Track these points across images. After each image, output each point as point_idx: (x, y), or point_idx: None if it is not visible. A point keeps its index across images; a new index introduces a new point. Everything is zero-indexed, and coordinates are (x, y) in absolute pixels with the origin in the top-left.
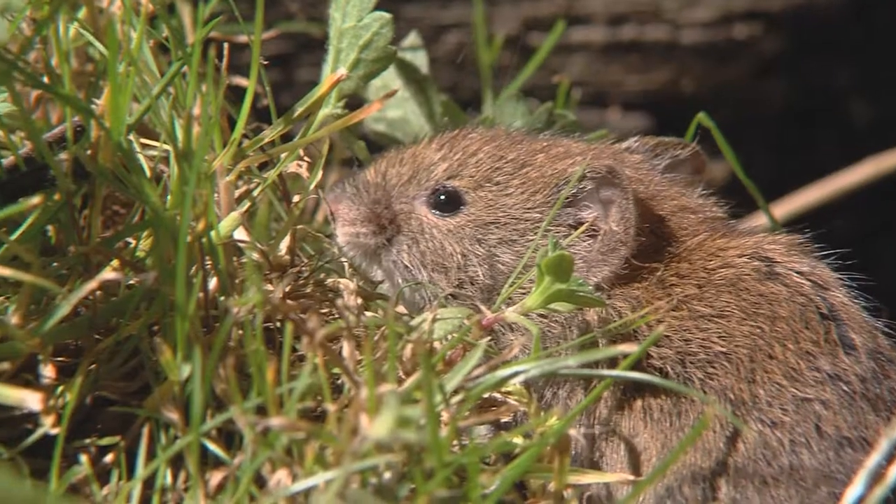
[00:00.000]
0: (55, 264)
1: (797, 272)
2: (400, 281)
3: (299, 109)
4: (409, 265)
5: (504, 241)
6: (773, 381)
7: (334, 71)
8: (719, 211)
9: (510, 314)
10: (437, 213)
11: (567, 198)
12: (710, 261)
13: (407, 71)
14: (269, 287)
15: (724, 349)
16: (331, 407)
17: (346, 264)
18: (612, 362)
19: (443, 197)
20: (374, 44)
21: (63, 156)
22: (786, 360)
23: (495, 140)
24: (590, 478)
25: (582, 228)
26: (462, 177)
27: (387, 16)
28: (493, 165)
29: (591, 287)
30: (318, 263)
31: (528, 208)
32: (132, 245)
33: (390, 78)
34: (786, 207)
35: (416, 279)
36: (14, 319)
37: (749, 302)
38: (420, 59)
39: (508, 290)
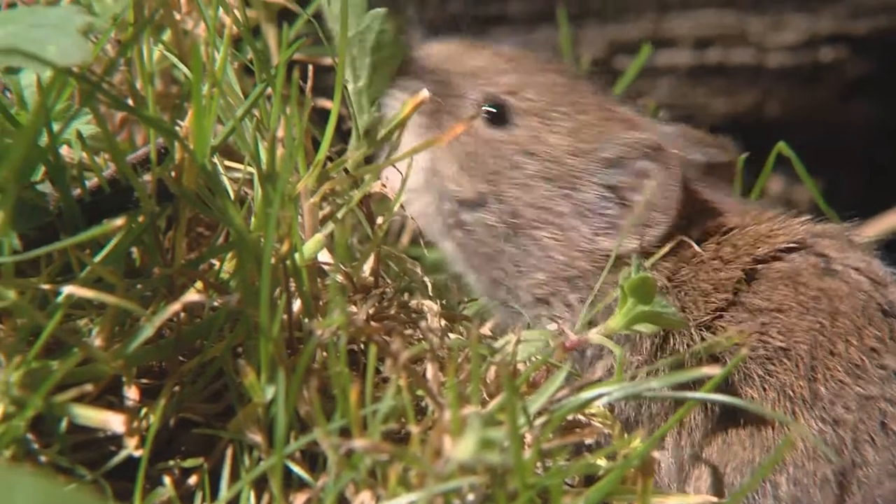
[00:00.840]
0: (139, 286)
1: (854, 268)
2: (424, 170)
3: (385, 130)
4: (441, 157)
5: (539, 176)
6: (835, 378)
7: (355, 82)
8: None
9: (594, 336)
10: (486, 122)
11: (610, 159)
12: (757, 247)
13: None
14: (353, 309)
15: (783, 345)
16: (414, 429)
17: (429, 285)
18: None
19: (494, 108)
20: (381, 43)
21: (147, 178)
22: (849, 357)
23: (567, 76)
24: (673, 500)
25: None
26: (520, 97)
27: (382, 11)
28: (552, 98)
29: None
30: (403, 285)
31: (571, 154)
32: (216, 267)
33: None
34: (873, 229)
35: (444, 172)
36: (98, 341)
37: (808, 297)
38: None
39: (592, 312)
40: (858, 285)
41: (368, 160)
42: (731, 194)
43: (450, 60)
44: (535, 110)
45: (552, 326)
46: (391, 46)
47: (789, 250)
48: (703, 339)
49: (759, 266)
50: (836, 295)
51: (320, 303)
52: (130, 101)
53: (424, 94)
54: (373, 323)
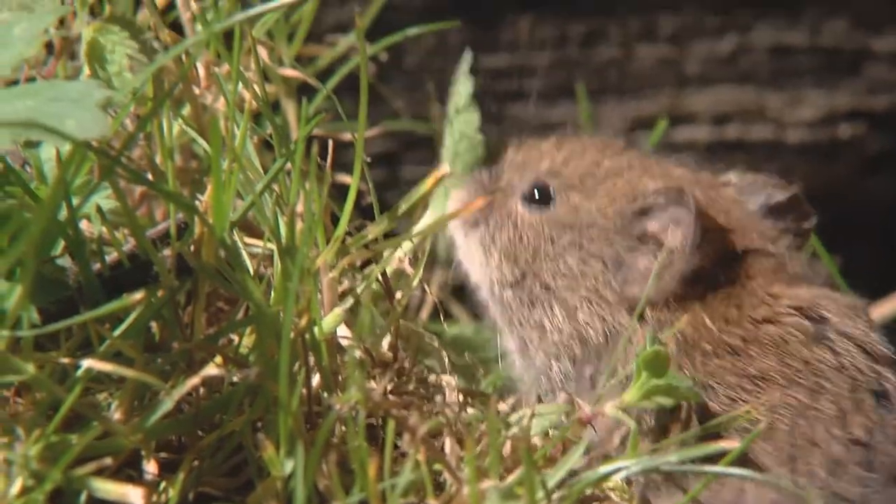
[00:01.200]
0: (158, 360)
1: (849, 337)
2: (475, 263)
3: (405, 206)
4: (484, 245)
5: (573, 244)
6: (813, 473)
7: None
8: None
9: (610, 409)
10: (528, 205)
11: (637, 211)
12: (758, 308)
13: None
14: (372, 384)
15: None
16: (433, 503)
17: (447, 360)
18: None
19: (537, 191)
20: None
21: (167, 252)
22: (829, 451)
23: (602, 147)
24: None
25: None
26: (559, 176)
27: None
28: (588, 170)
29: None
30: (421, 360)
31: (604, 216)
32: (235, 341)
33: None
34: (891, 306)
35: (486, 262)
36: (117, 415)
37: (792, 369)
38: None
39: (604, 387)
40: (851, 359)
41: (388, 236)
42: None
43: (503, 164)
44: (572, 184)
45: (562, 396)
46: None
47: (787, 314)
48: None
49: (756, 329)
50: (822, 369)
51: (339, 377)
52: (150, 176)
53: (445, 168)
54: (391, 397)
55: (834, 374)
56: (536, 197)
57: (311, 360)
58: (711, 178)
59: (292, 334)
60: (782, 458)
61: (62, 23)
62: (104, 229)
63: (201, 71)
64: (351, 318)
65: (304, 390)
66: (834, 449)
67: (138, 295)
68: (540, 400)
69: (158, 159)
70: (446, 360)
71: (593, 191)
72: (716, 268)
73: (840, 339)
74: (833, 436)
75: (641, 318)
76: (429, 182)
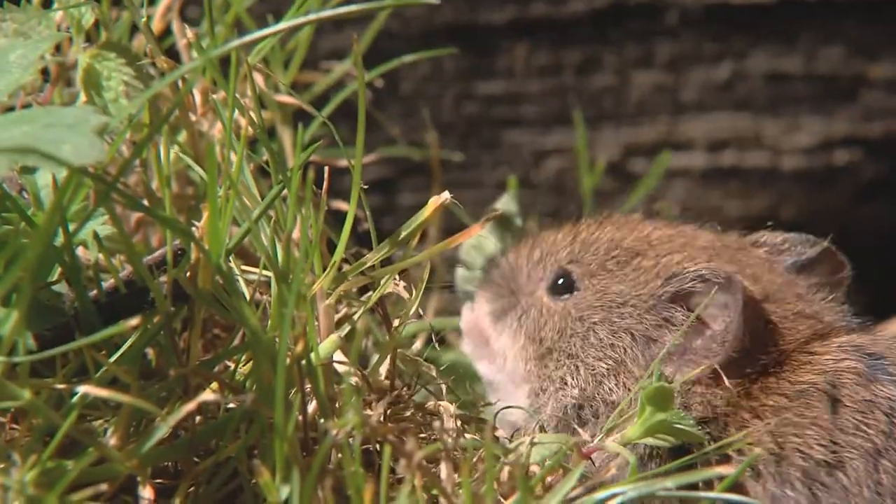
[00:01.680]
0: (155, 386)
1: None
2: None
3: (404, 233)
4: (513, 337)
5: (604, 321)
6: None
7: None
8: (842, 317)
9: (611, 444)
10: (552, 296)
11: (676, 292)
12: (798, 372)
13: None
14: (368, 411)
15: (825, 458)
16: None
17: (444, 387)
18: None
19: (561, 281)
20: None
21: (163, 278)
22: None
23: (618, 227)
24: None
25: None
26: (581, 263)
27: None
28: (608, 253)
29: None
30: (417, 387)
31: (636, 295)
32: (231, 368)
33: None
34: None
35: (510, 346)
36: (113, 441)
37: (853, 411)
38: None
39: (612, 421)
40: None
41: (386, 263)
42: (835, 292)
43: (517, 262)
44: (595, 268)
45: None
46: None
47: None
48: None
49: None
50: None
51: (336, 404)
52: (146, 202)
53: (446, 195)
54: (388, 423)
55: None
56: (559, 287)
57: (308, 386)
58: (739, 241)
59: (288, 360)
60: (864, 493)
61: (58, 49)
62: (101, 255)
63: (197, 97)
64: (347, 344)
65: (300, 416)
66: None
67: (134, 321)
68: (542, 430)
69: (155, 185)
70: (443, 386)
71: (618, 273)
72: (752, 344)
73: None
74: None
75: None
76: (428, 209)
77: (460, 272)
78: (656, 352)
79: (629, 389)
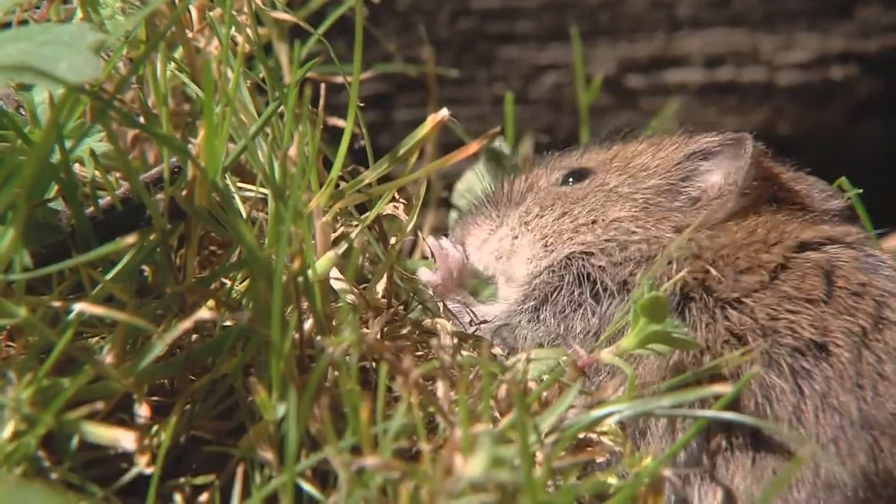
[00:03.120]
0: (151, 304)
1: None
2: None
3: (403, 150)
4: (531, 227)
5: (624, 182)
6: (882, 405)
7: None
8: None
9: (606, 355)
10: (565, 184)
11: (694, 152)
12: (802, 233)
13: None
14: (365, 329)
15: (815, 339)
16: (425, 446)
17: (440, 305)
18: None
19: (573, 174)
20: None
21: (159, 196)
22: None
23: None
24: None
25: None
26: (591, 159)
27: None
28: (619, 150)
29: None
30: (415, 304)
31: (657, 161)
32: (228, 285)
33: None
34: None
35: (535, 242)
36: (109, 359)
37: (847, 292)
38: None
39: (607, 335)
40: None
41: (383, 180)
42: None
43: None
44: (608, 159)
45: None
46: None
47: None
48: (726, 318)
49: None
50: (885, 298)
51: (332, 322)
52: (142, 119)
53: (444, 112)
54: (384, 341)
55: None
56: (574, 176)
57: (304, 303)
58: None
59: (285, 277)
60: (846, 384)
61: None
62: (97, 173)
63: (194, 14)
64: (344, 262)
65: (297, 334)
66: None
67: (131, 238)
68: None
69: (151, 103)
70: (440, 304)
71: (634, 158)
72: (759, 201)
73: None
74: None
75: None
76: (426, 126)
77: (453, 216)
78: (676, 202)
79: (647, 234)
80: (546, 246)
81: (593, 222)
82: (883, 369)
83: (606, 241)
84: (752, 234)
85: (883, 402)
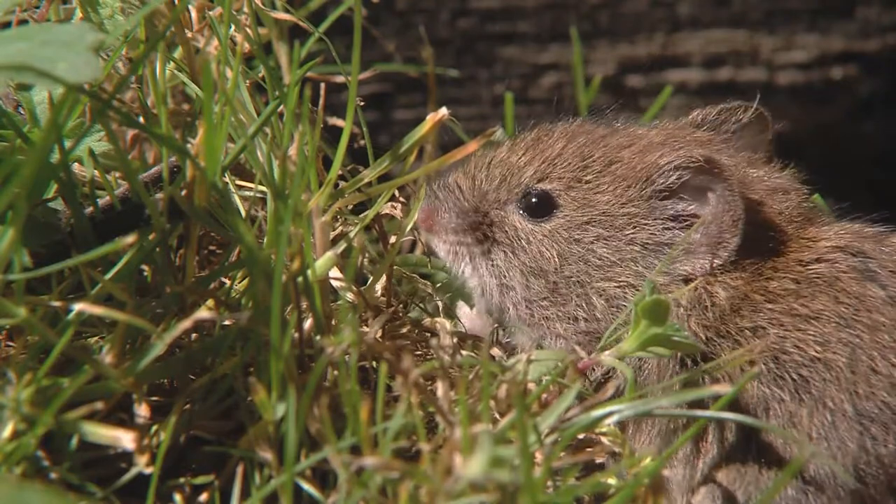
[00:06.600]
0: (150, 304)
1: (892, 270)
2: (495, 288)
3: (403, 148)
4: (507, 273)
5: (600, 238)
6: (874, 395)
7: None
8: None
9: (606, 358)
10: (531, 218)
11: (662, 190)
12: (803, 252)
13: None
14: (365, 328)
15: (819, 355)
16: (425, 446)
17: (440, 304)
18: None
19: (534, 200)
20: None
21: (159, 195)
22: (891, 375)
23: (577, 138)
24: None
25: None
26: (552, 179)
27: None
28: (580, 164)
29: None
30: (414, 304)
31: (623, 203)
32: (227, 285)
33: None
34: None
35: (514, 286)
36: (108, 359)
37: (847, 306)
38: None
39: (609, 337)
40: None
41: (382, 180)
42: (766, 156)
43: (472, 182)
44: (570, 183)
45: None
46: None
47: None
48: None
49: (806, 270)
50: (875, 303)
51: (332, 322)
52: (142, 119)
53: (443, 112)
54: (384, 341)
55: (887, 309)
56: (536, 205)
57: (304, 303)
58: (695, 134)
59: (284, 277)
60: (841, 385)
61: None
62: (96, 172)
63: (193, 14)
64: (343, 261)
65: (296, 333)
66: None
67: (130, 238)
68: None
69: (151, 102)
70: (440, 303)
71: (596, 183)
72: (752, 225)
73: (885, 272)
74: (893, 363)
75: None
76: (426, 125)
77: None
78: (671, 255)
79: None
80: (533, 324)
81: (588, 296)
82: (876, 365)
83: (604, 326)
84: (761, 262)
85: (874, 392)
